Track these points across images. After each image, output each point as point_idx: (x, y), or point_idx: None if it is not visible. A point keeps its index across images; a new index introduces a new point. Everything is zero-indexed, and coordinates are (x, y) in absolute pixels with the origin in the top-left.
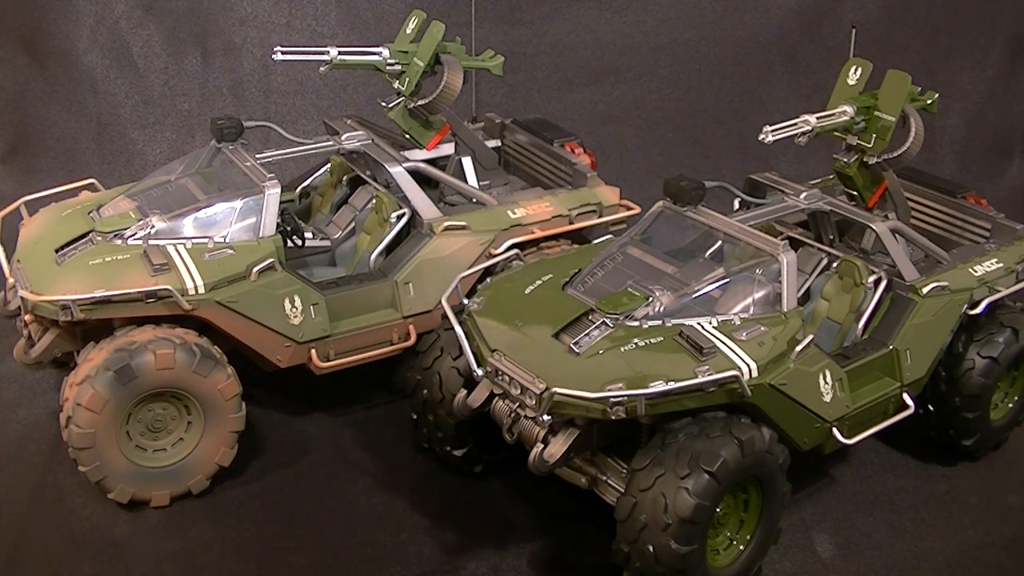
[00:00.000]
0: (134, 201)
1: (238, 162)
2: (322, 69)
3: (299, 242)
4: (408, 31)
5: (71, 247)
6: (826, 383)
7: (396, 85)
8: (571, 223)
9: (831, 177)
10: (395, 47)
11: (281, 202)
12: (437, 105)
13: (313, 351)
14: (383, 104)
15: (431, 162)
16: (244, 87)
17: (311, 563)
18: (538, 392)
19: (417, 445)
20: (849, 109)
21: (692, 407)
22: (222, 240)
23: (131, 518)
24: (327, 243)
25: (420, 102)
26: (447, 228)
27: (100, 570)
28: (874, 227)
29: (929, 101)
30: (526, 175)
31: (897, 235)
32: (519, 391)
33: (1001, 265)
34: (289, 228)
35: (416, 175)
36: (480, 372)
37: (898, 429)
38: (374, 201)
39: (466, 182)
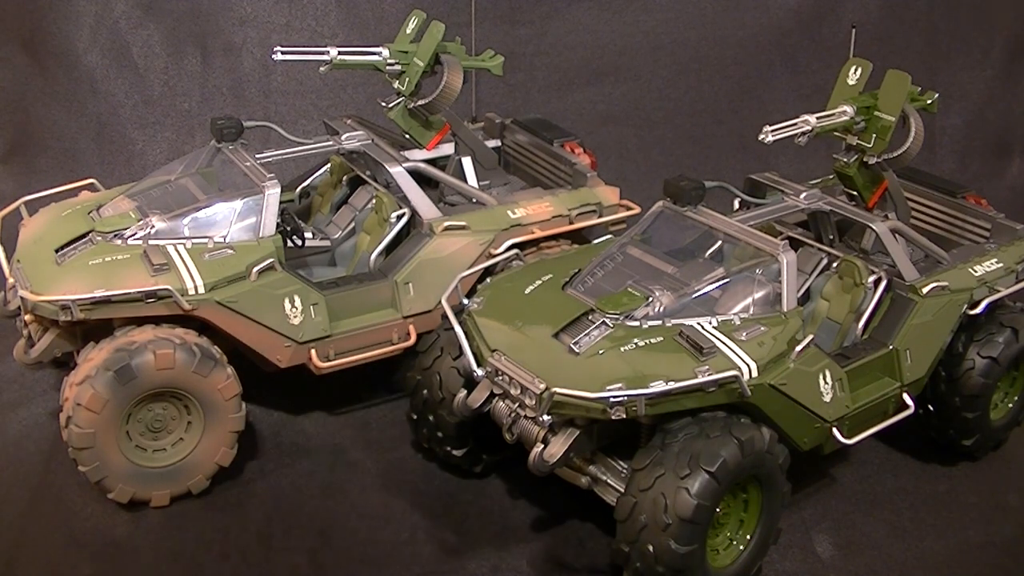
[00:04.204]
0: (134, 201)
1: (238, 162)
2: (322, 69)
3: (299, 242)
4: (408, 31)
5: (71, 247)
6: (826, 383)
7: (396, 85)
8: (571, 223)
9: (831, 177)
10: (395, 47)
11: (281, 202)
12: (437, 105)
13: (313, 351)
14: (383, 104)
15: (431, 162)
16: (244, 87)
17: (311, 563)
18: (538, 392)
19: (417, 445)
20: (849, 109)
21: (692, 407)
22: (222, 240)
23: (131, 518)
24: (327, 243)
25: (420, 102)
26: (447, 228)
27: (100, 570)
28: (874, 227)
29: (929, 101)
30: (526, 175)
31: (897, 235)
32: (519, 391)
33: (1001, 265)
34: (289, 228)
35: (416, 175)
36: (480, 372)
37: (898, 429)
38: (374, 201)
39: (466, 182)
